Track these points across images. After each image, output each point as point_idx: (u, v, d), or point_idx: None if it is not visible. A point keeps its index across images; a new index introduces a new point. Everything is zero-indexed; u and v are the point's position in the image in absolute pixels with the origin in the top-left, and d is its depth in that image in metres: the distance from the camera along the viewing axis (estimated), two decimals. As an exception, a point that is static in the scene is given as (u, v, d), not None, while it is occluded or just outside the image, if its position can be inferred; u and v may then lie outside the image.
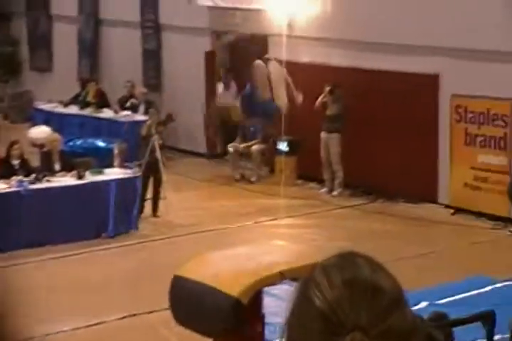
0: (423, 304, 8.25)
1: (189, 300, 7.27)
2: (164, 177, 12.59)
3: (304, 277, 1.44)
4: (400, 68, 12.93)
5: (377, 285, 1.38)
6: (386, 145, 13.19)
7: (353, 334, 1.33)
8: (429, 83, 12.71)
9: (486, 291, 8.65)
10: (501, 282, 8.88)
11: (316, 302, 1.37)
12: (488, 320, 5.40)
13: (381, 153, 13.27)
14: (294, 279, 7.28)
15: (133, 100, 16.43)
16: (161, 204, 12.56)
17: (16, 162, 12.05)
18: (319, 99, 13.54)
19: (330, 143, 13.58)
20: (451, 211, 12.38)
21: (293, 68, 14.18)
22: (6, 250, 10.94)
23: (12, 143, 12.17)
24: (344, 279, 1.39)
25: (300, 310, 1.40)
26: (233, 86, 15.99)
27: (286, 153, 14.18)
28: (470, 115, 12.29)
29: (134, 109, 16.21)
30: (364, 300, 1.36)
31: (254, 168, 14.73)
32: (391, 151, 13.15)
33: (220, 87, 16.00)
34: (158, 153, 12.48)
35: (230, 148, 14.85)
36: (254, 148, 14.65)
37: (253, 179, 14.58)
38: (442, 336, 3.47)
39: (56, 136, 12.72)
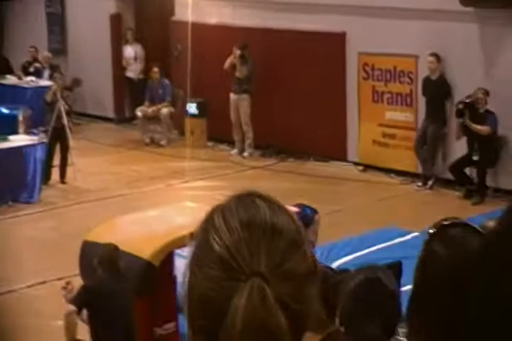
0: (337, 260, 8.33)
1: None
2: (71, 143, 12.38)
3: (202, 220, 1.39)
4: (307, 27, 12.91)
5: (275, 226, 1.35)
6: (295, 105, 13.22)
7: (252, 281, 1.30)
8: (336, 41, 12.74)
9: (395, 243, 8.80)
10: (409, 234, 9.05)
11: (215, 247, 1.34)
12: (394, 271, 5.44)
13: (290, 113, 13.29)
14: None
15: (36, 64, 16.08)
16: (69, 170, 12.36)
17: None
18: (228, 60, 13.44)
19: (239, 104, 13.53)
20: (361, 168, 12.52)
21: (201, 29, 14.02)
22: None
23: None
24: (242, 221, 1.35)
25: (200, 256, 1.36)
26: (140, 48, 15.77)
27: (196, 115, 14.09)
28: (377, 72, 12.38)
29: (37, 73, 15.87)
30: (263, 242, 1.33)
31: (164, 131, 14.60)
32: (300, 110, 13.18)
33: (126, 50, 15.74)
34: (64, 119, 12.25)
35: (139, 113, 14.66)
36: (163, 111, 14.50)
37: (163, 142, 14.45)
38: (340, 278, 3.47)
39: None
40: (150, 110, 14.59)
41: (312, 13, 12.90)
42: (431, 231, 2.45)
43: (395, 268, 5.24)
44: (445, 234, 2.36)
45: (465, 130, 11.06)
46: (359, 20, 12.42)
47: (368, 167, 12.42)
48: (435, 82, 11.48)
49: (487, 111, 11.06)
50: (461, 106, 11.02)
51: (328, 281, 3.53)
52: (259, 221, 1.35)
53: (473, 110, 10.96)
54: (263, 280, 1.31)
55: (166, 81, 14.68)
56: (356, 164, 12.63)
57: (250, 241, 1.33)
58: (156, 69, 14.52)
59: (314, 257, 1.41)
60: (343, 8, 12.46)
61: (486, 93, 11.10)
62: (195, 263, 1.36)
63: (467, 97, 11.15)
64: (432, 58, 11.48)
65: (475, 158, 10.98)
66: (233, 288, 1.31)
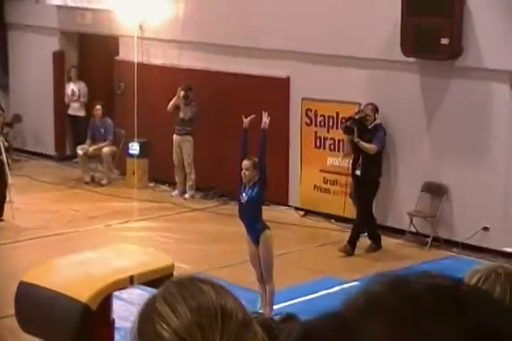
0: (275, 306, 8.31)
1: (36, 307, 7.07)
2: (10, 179, 12.22)
3: (141, 311, 1.40)
4: (252, 71, 13.04)
5: (224, 309, 1.37)
6: (237, 148, 13.24)
7: None
8: (280, 86, 12.87)
9: (335, 292, 8.81)
10: (349, 282, 9.06)
11: (164, 335, 1.34)
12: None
13: (232, 156, 13.31)
14: (144, 283, 7.22)
15: (-24, 99, 15.92)
16: (7, 207, 12.17)
17: None
18: (171, 102, 13.47)
19: (182, 145, 13.54)
20: (302, 213, 12.57)
21: (145, 69, 14.07)
22: None
23: None
24: (191, 307, 1.36)
25: None
26: (83, 87, 15.71)
27: (138, 156, 14.04)
28: (320, 118, 12.52)
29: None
30: (214, 325, 1.35)
31: (105, 170, 14.52)
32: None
33: (68, 88, 15.67)
34: (3, 155, 12.10)
35: (79, 151, 14.56)
36: (105, 150, 14.43)
37: (104, 182, 14.36)
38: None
39: None
40: (91, 149, 14.52)
41: (257, 57, 13.05)
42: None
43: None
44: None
45: (353, 146, 11.06)
46: (303, 65, 12.59)
47: (308, 212, 12.48)
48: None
49: (375, 127, 11.15)
50: (349, 122, 11.01)
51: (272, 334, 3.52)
52: (207, 305, 1.37)
53: (362, 126, 10.99)
54: None
55: (109, 120, 14.64)
56: (297, 209, 12.69)
57: (201, 325, 1.35)
58: (98, 107, 14.49)
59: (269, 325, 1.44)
60: (288, 53, 12.62)
61: (375, 109, 11.25)
62: None
63: (356, 114, 11.26)
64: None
65: (358, 172, 10.99)
66: None
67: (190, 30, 13.77)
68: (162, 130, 13.66)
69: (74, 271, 7.43)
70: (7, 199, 12.20)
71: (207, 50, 13.64)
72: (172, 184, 13.86)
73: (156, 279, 7.03)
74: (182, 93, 13.40)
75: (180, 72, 13.88)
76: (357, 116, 11.11)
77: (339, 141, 12.23)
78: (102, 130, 14.57)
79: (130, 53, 14.40)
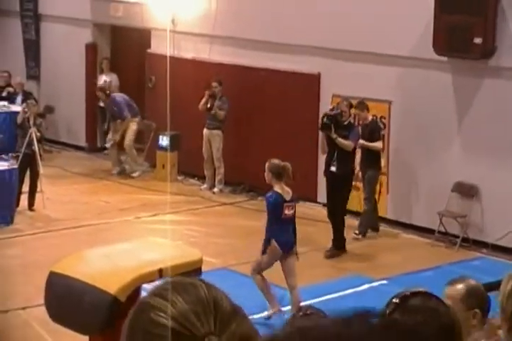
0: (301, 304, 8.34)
1: (65, 297, 7.15)
2: (41, 170, 12.33)
3: (133, 308, 1.50)
4: (283, 67, 13.06)
5: (216, 299, 1.48)
6: (267, 143, 13.30)
7: (208, 339, 1.42)
8: (311, 82, 12.89)
9: (362, 290, 8.82)
10: (377, 281, 9.07)
11: (161, 321, 1.44)
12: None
13: (262, 151, 13.36)
14: (172, 277, 7.27)
15: (9, 89, 16.05)
16: (38, 197, 12.29)
17: None
18: (203, 100, 13.51)
19: (212, 139, 13.60)
20: (329, 210, 12.55)
21: (176, 63, 14.12)
22: None
23: None
24: (184, 298, 1.46)
25: (145, 337, 1.45)
26: (115, 79, 15.81)
27: (168, 149, 14.10)
28: (350, 116, 12.49)
29: (10, 98, 15.83)
30: (208, 312, 1.45)
31: (130, 162, 14.57)
32: (272, 149, 13.23)
33: (101, 80, 15.78)
34: (35, 146, 12.21)
35: (107, 144, 14.66)
36: (126, 142, 14.48)
37: (135, 175, 14.43)
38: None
39: None
40: (116, 137, 14.53)
41: (289, 53, 13.06)
42: (394, 301, 2.54)
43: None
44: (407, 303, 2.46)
45: (328, 143, 10.97)
46: (334, 62, 12.59)
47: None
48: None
49: (350, 124, 11.09)
50: (326, 119, 10.91)
51: None
52: (200, 296, 1.48)
53: (338, 122, 10.88)
54: (217, 338, 1.43)
55: (117, 97, 14.59)
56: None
57: (196, 311, 1.45)
58: (100, 94, 14.52)
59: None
60: (320, 50, 12.62)
61: (350, 105, 11.22)
62: None
63: (331, 110, 11.20)
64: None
65: (333, 168, 10.92)
66: None
67: (221, 25, 13.82)
68: (192, 123, 13.72)
69: (104, 263, 7.50)
70: (38, 189, 12.31)
71: (238, 45, 13.68)
72: (201, 178, 13.92)
73: (185, 273, 7.09)
74: (213, 88, 13.44)
75: (211, 67, 13.93)
76: (333, 113, 11.02)
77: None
78: (115, 109, 14.58)
79: (162, 46, 14.47)
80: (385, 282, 9.02)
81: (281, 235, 8.47)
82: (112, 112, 14.62)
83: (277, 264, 9.96)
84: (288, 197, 8.57)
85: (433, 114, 11.60)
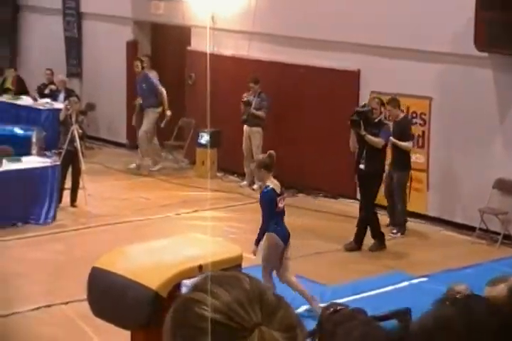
0: (340, 300, 8.35)
1: (107, 293, 7.23)
2: (83, 166, 12.45)
3: (174, 306, 1.49)
4: (322, 63, 13.06)
5: (260, 289, 1.48)
6: (306, 140, 13.32)
7: (259, 330, 1.42)
8: (350, 79, 12.87)
9: (403, 287, 8.79)
10: (418, 278, 9.04)
11: (205, 314, 1.43)
12: (403, 317, 5.46)
13: (301, 148, 13.39)
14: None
15: (52, 87, 16.24)
16: (80, 194, 12.41)
17: None
18: (244, 95, 13.57)
19: (251, 136, 13.64)
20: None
21: (216, 60, 14.18)
22: None
23: None
24: (227, 289, 1.46)
25: (191, 332, 1.44)
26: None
27: (208, 145, 14.16)
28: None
29: (53, 96, 16.01)
30: (253, 302, 1.44)
31: (151, 154, 14.56)
32: (311, 146, 13.28)
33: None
34: (77, 143, 12.32)
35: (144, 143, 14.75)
36: (140, 133, 14.55)
37: (154, 168, 14.43)
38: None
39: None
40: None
41: (328, 50, 13.05)
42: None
43: (404, 315, 5.24)
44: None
45: (358, 140, 10.88)
46: (374, 59, 12.56)
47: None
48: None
49: (381, 122, 10.97)
50: (355, 116, 10.79)
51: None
52: (244, 287, 1.47)
53: (368, 119, 10.77)
54: (267, 327, 1.43)
55: (150, 74, 14.61)
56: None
57: (242, 303, 1.44)
58: (137, 63, 14.58)
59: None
60: (359, 46, 12.60)
61: (381, 102, 11.11)
62: (184, 337, 1.45)
63: (362, 107, 11.08)
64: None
65: (362, 166, 10.83)
66: None
67: (261, 22, 13.85)
68: (232, 120, 13.77)
69: (145, 259, 7.57)
70: (80, 185, 12.43)
71: (277, 42, 13.70)
72: (241, 174, 13.97)
73: (225, 269, 7.13)
74: (253, 86, 13.47)
75: (250, 64, 13.98)
76: (363, 110, 10.91)
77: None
78: (144, 85, 14.65)
79: (202, 44, 14.54)
80: (425, 279, 8.99)
81: (279, 228, 8.53)
82: (140, 91, 14.64)
83: (318, 261, 10.01)
84: (279, 190, 8.62)
85: (474, 110, 11.52)
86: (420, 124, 12.15)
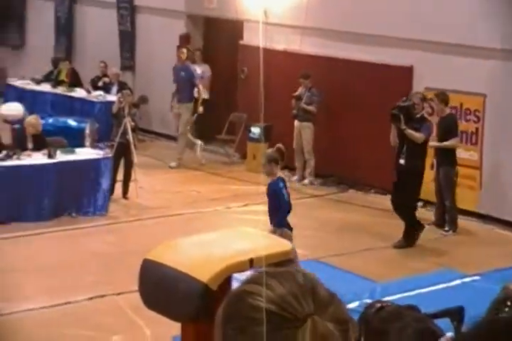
0: (390, 297, 8.33)
1: (158, 284, 7.28)
2: (135, 159, 12.56)
3: (227, 299, 1.52)
4: (374, 59, 13.00)
5: (313, 283, 1.51)
6: (358, 136, 13.28)
7: (311, 319, 1.44)
8: (403, 75, 12.79)
9: (455, 285, 8.74)
10: (470, 276, 8.97)
11: (260, 305, 1.45)
12: (456, 315, 5.42)
13: (353, 144, 13.36)
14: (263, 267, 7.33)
15: (105, 79, 16.39)
16: (132, 186, 12.53)
17: (-13, 139, 12.00)
18: (296, 93, 13.57)
19: (302, 131, 13.64)
20: (420, 204, 12.45)
21: (268, 55, 14.18)
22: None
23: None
24: (281, 282, 1.48)
25: (243, 323, 1.46)
26: (207, 69, 15.98)
27: (259, 140, 14.20)
28: (443, 109, 12.36)
29: (106, 88, 16.16)
30: (306, 295, 1.47)
31: (179, 151, 14.62)
32: (363, 142, 13.24)
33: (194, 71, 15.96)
34: (129, 135, 12.43)
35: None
36: (180, 128, 14.59)
37: (172, 164, 14.42)
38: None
39: (36, 120, 12.39)
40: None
41: (381, 45, 12.98)
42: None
43: (457, 314, 5.20)
44: None
45: (398, 135, 10.75)
46: (428, 55, 12.46)
47: (428, 203, 12.35)
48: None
49: (422, 117, 10.82)
50: (396, 111, 10.67)
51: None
52: (297, 280, 1.50)
53: (409, 115, 10.63)
54: (319, 317, 1.46)
55: (191, 66, 14.67)
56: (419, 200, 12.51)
57: (295, 294, 1.47)
58: (183, 50, 14.65)
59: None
60: (412, 42, 12.51)
61: (424, 98, 10.93)
62: (241, 331, 1.47)
63: (403, 101, 10.91)
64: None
65: (402, 161, 10.70)
66: (288, 336, 1.44)
67: (313, 17, 13.82)
68: (283, 115, 13.77)
69: (196, 252, 7.60)
70: (132, 178, 12.55)
71: (329, 37, 13.67)
72: (292, 169, 13.98)
73: (276, 263, 7.14)
74: (305, 82, 13.47)
75: (302, 58, 13.97)
76: (403, 104, 10.76)
77: (462, 132, 12.00)
78: (183, 73, 14.68)
79: (254, 38, 14.56)
80: (477, 278, 8.91)
81: (286, 219, 8.62)
82: (178, 80, 14.66)
83: (367, 257, 9.98)
84: (285, 182, 8.74)
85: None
86: (474, 121, 12.04)
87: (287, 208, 8.60)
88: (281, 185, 8.56)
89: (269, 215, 8.64)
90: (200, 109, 14.64)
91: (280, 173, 8.68)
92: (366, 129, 13.20)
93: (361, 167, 13.19)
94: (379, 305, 4.08)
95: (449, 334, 3.62)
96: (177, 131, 14.91)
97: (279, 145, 8.83)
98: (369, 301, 8.32)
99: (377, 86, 13.03)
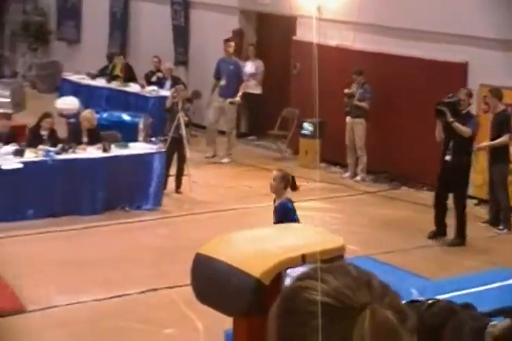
0: (443, 296, 8.28)
1: (211, 279, 7.33)
2: (188, 154, 12.64)
3: (282, 296, 1.53)
4: (428, 55, 12.91)
5: (367, 276, 1.51)
6: (411, 132, 13.20)
7: (370, 308, 1.45)
8: (458, 71, 12.69)
9: (509, 284, 8.65)
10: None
11: (316, 298, 1.46)
12: (511, 315, 5.39)
13: (406, 140, 13.29)
14: (315, 263, 7.33)
15: (159, 74, 16.51)
16: (184, 180, 12.62)
17: (44, 132, 12.18)
18: (349, 90, 13.52)
19: (355, 128, 13.61)
20: (475, 202, 12.34)
21: (320, 50, 14.18)
22: (28, 218, 11.04)
23: (45, 116, 12.27)
24: (336, 276, 1.50)
25: (299, 317, 1.47)
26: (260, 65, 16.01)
27: (311, 136, 14.19)
28: (498, 106, 12.23)
29: (159, 83, 16.28)
30: (361, 286, 1.48)
31: (229, 147, 14.67)
32: (416, 138, 13.16)
33: (246, 66, 16.01)
34: (183, 130, 12.52)
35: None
36: (228, 123, 14.66)
37: (224, 160, 14.47)
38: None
39: (91, 115, 12.54)
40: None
41: (435, 42, 12.89)
42: None
43: (511, 313, 5.16)
44: None
45: (444, 130, 10.63)
46: (482, 51, 12.35)
47: (482, 201, 12.22)
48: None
49: (468, 113, 10.69)
50: (441, 106, 10.57)
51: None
52: (351, 274, 1.51)
53: (455, 111, 10.51)
54: (376, 306, 1.46)
55: (241, 63, 14.71)
56: (471, 197, 12.45)
57: (351, 287, 1.48)
58: (231, 44, 14.69)
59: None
60: (467, 38, 12.40)
61: (470, 94, 10.76)
62: (298, 326, 1.48)
63: (449, 97, 10.79)
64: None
65: (448, 157, 10.59)
66: (346, 327, 1.44)
67: (366, 13, 13.78)
68: (336, 111, 13.74)
69: (248, 246, 7.63)
70: (185, 172, 12.64)
71: (382, 33, 13.60)
72: (344, 165, 13.96)
73: (328, 259, 7.13)
74: (357, 78, 13.44)
75: (354, 54, 13.93)
76: (449, 100, 10.66)
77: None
78: (231, 67, 14.68)
79: (307, 33, 14.54)
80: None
81: None
82: (226, 72, 14.63)
83: (420, 255, 9.93)
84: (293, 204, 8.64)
85: None
86: (529, 119, 11.88)
87: None
88: (290, 206, 8.55)
89: None
90: (237, 98, 14.66)
91: (288, 194, 8.62)
92: (419, 126, 13.11)
93: (414, 164, 13.11)
94: (430, 301, 4.09)
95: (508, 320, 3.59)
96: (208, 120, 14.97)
97: (289, 174, 8.70)
98: (422, 299, 8.32)
99: (431, 82, 12.94)
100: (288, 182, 8.55)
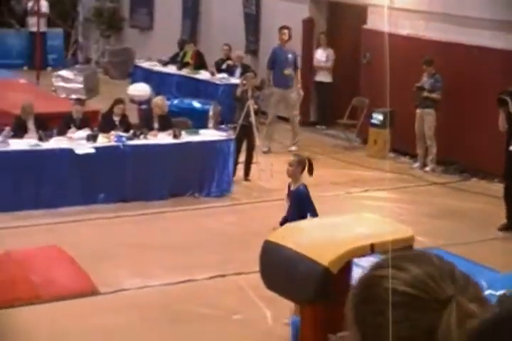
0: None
1: (279, 266, 7.37)
2: (257, 141, 12.69)
3: (358, 284, 1.51)
4: (500, 45, 12.73)
5: (449, 265, 1.50)
6: (483, 123, 13.04)
7: (456, 300, 1.43)
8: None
9: None
10: None
11: (399, 288, 1.44)
12: None
13: (477, 131, 13.14)
14: (383, 253, 7.35)
15: (229, 62, 16.58)
16: (253, 168, 12.68)
17: (116, 118, 12.38)
18: (419, 84, 13.42)
19: (425, 118, 13.50)
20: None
21: (391, 40, 14.09)
22: (99, 202, 11.23)
23: (117, 102, 12.46)
24: (417, 266, 1.47)
25: (380, 307, 1.45)
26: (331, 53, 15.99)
27: (380, 125, 14.13)
28: None
29: (229, 71, 16.35)
30: (444, 276, 1.46)
31: (293, 135, 14.62)
32: (487, 129, 12.98)
33: (317, 54, 16.00)
34: (252, 118, 12.56)
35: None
36: (294, 114, 14.59)
37: (265, 149, 14.17)
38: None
39: (162, 101, 12.64)
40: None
41: (505, 31, 12.70)
42: None
43: None
44: None
45: (507, 120, 10.38)
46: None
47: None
48: None
49: None
50: (504, 95, 10.34)
51: None
52: (432, 263, 1.49)
53: None
54: (462, 298, 1.44)
55: (295, 51, 14.65)
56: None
57: (433, 276, 1.46)
58: (285, 31, 14.60)
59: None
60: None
61: None
62: (374, 311, 1.47)
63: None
64: None
65: (511, 148, 10.34)
66: (429, 319, 1.43)
67: (438, 1, 13.65)
68: (405, 101, 13.65)
69: (317, 234, 7.66)
70: (254, 160, 12.70)
71: (453, 22, 13.45)
72: (413, 156, 13.87)
73: (396, 250, 7.12)
74: (427, 68, 13.31)
75: (426, 44, 13.81)
76: (511, 89, 10.46)
77: None
78: (290, 56, 14.61)
79: (378, 22, 14.46)
80: None
81: None
82: (286, 62, 14.58)
83: (492, 247, 9.81)
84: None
85: None
86: None
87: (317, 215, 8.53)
88: (306, 191, 8.54)
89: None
90: (301, 91, 14.64)
91: (303, 180, 8.61)
92: (490, 117, 12.93)
93: (484, 155, 12.96)
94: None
95: None
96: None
97: (310, 157, 8.71)
98: (495, 292, 8.25)
99: (501, 72, 12.76)
100: (304, 166, 8.57)
